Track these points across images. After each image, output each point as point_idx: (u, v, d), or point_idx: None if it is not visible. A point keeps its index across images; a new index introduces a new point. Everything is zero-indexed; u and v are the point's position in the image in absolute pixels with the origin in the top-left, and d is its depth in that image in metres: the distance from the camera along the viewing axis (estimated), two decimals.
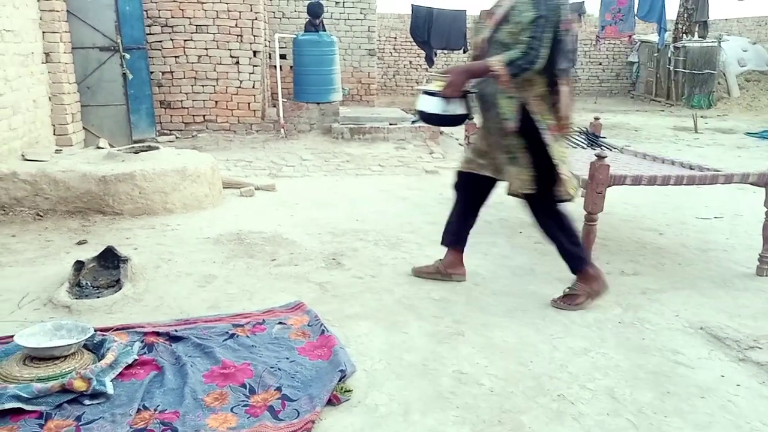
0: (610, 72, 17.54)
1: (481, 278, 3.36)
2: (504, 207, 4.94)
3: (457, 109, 2.92)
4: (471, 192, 3.30)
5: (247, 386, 2.21)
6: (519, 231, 4.28)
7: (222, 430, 1.97)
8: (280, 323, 2.73)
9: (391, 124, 8.48)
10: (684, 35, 14.90)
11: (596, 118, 5.35)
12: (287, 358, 2.41)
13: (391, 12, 15.97)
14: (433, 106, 2.91)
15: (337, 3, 10.99)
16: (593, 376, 2.39)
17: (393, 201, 5.17)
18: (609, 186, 3.29)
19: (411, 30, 11.61)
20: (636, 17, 13.78)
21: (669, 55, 14.83)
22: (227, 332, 2.63)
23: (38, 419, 2.01)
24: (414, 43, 13.25)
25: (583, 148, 4.81)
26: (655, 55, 15.55)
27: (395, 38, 15.92)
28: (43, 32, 5.66)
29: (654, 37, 15.19)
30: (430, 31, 11.27)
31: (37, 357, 2.25)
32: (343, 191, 5.56)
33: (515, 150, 2.92)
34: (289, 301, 2.99)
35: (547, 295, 3.14)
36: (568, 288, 3.07)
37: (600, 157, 3.27)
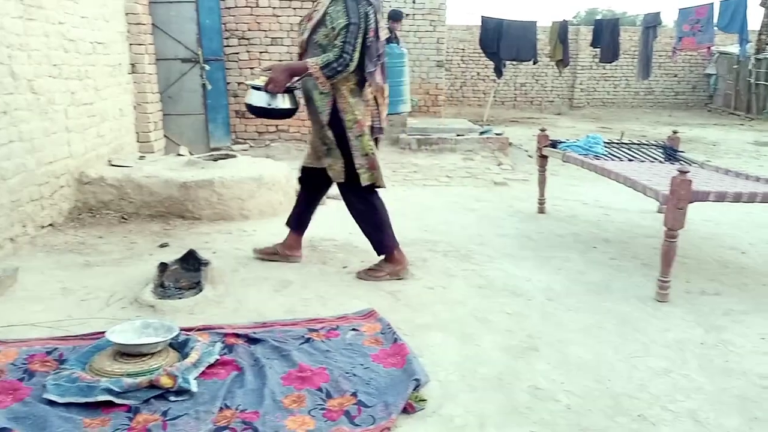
0: (686, 84, 16.98)
1: (555, 294, 3.31)
2: (577, 221, 4.87)
3: (281, 103, 3.27)
4: (312, 183, 3.71)
5: (324, 390, 2.25)
6: (593, 246, 4.19)
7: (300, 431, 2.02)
8: (353, 330, 2.77)
9: (458, 135, 8.47)
10: (767, 46, 14.27)
11: (674, 132, 5.20)
12: (361, 365, 2.45)
13: (460, 24, 15.98)
14: (259, 99, 3.24)
15: (407, 15, 11.07)
16: (675, 397, 2.31)
17: (461, 212, 5.15)
18: (691, 202, 3.18)
19: (480, 41, 11.56)
20: (716, 28, 13.28)
21: (750, 67, 14.22)
22: (303, 336, 2.68)
23: (127, 412, 2.11)
24: (482, 55, 13.20)
25: (661, 162, 4.67)
26: (735, 66, 14.95)
27: (463, 50, 15.92)
28: (130, 44, 5.96)
29: (734, 49, 14.60)
30: (499, 43, 11.19)
31: (126, 353, 2.37)
32: (411, 201, 5.58)
33: (329, 142, 3.33)
34: (361, 308, 3.03)
35: (625, 313, 3.06)
36: (376, 264, 3.52)
37: (682, 172, 3.17)
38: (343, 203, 5.32)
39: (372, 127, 3.41)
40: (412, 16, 11.14)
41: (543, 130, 5.16)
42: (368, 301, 3.14)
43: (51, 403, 2.13)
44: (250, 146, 8.40)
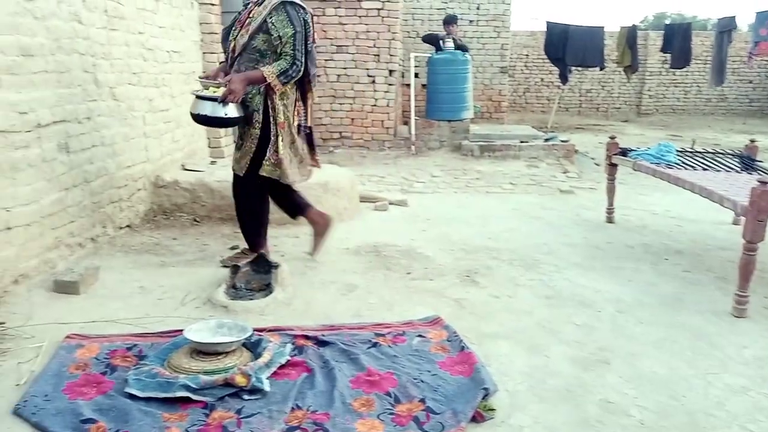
0: (762, 91, 16.24)
1: (626, 305, 3.23)
2: (647, 231, 4.74)
3: (233, 112, 3.36)
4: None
5: (392, 395, 2.27)
6: (665, 258, 4.07)
7: None
8: (419, 336, 2.78)
9: (522, 142, 8.38)
10: None
11: (752, 141, 4.99)
12: (428, 371, 2.46)
13: (524, 29, 15.80)
14: (214, 110, 3.31)
15: (471, 22, 11.05)
16: (755, 417, 2.23)
17: (526, 220, 5.10)
18: None
19: (545, 47, 11.40)
20: None
21: None
22: (370, 340, 2.72)
23: (204, 409, 2.18)
24: (546, 60, 13.02)
25: (737, 172, 4.49)
26: None
27: (527, 55, 15.72)
28: (203, 53, 6.16)
29: None
30: (565, 48, 11.00)
31: (202, 351, 2.46)
32: (474, 208, 5.56)
33: (247, 137, 3.54)
34: (427, 315, 3.04)
35: (699, 328, 2.97)
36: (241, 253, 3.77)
37: (763, 183, 3.05)
38: (403, 209, 5.39)
39: (299, 126, 3.67)
40: (475, 23, 11.10)
41: (612, 138, 5.05)
42: (433, 308, 3.15)
43: (132, 396, 2.23)
44: None
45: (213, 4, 6.12)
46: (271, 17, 3.36)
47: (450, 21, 9.26)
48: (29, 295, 3.21)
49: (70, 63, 3.69)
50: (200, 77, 3.51)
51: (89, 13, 3.91)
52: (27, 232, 3.35)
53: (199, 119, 3.43)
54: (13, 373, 2.47)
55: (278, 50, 3.39)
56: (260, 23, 3.38)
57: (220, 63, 3.61)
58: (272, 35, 3.37)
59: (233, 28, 3.53)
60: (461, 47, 8.98)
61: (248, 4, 3.51)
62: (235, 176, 3.66)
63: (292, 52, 3.35)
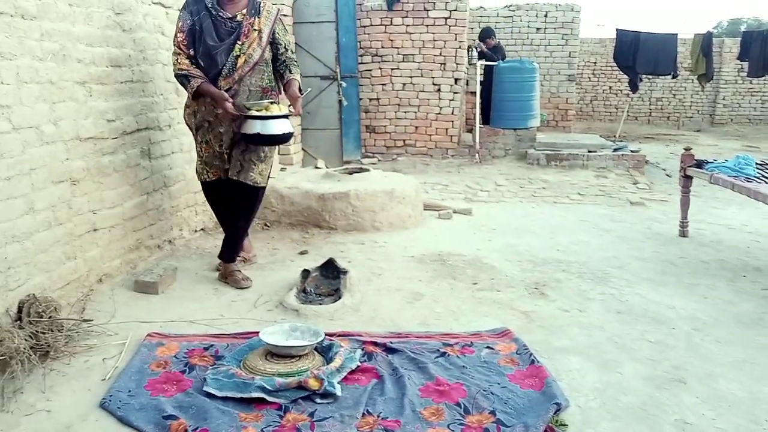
0: None
1: (702, 323, 3.13)
2: (723, 247, 4.57)
3: (290, 128, 3.43)
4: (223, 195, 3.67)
5: (462, 405, 2.28)
6: (742, 275, 3.92)
7: None
8: (487, 347, 2.77)
9: (590, 151, 8.21)
10: None
11: None
12: (498, 383, 2.45)
13: (592, 37, 15.47)
14: (283, 127, 3.33)
15: (538, 30, 10.94)
16: None
17: (595, 232, 5.00)
18: None
19: (615, 55, 11.13)
20: None
21: None
22: (438, 350, 2.73)
23: (278, 410, 2.25)
24: (615, 68, 12.71)
25: None
26: None
27: (595, 63, 15.39)
28: None
29: None
30: (635, 56, 10.71)
31: (277, 354, 2.53)
32: (541, 219, 5.49)
33: (270, 148, 3.61)
34: (495, 326, 3.03)
35: None
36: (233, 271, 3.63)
37: None
38: (467, 218, 5.37)
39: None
40: (543, 30, 10.97)
41: (688, 149, 4.90)
42: (501, 320, 3.13)
43: (210, 395, 2.33)
44: (378, 160, 8.63)
45: (286, 15, 6.28)
46: (276, 27, 3.47)
47: (485, 36, 9.31)
48: (112, 293, 3.38)
49: (153, 73, 3.87)
50: (245, 103, 3.35)
51: (171, 25, 4.08)
52: (111, 234, 3.53)
53: (267, 139, 3.36)
54: (99, 368, 2.61)
55: (280, 59, 3.51)
56: (269, 34, 3.43)
57: (197, 84, 3.33)
58: (279, 44, 3.48)
59: (238, 43, 3.34)
60: (487, 56, 8.98)
61: (217, 15, 3.35)
62: (253, 188, 3.56)
63: (295, 58, 3.58)
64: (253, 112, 3.30)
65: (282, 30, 3.53)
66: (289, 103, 3.50)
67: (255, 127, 3.29)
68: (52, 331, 2.67)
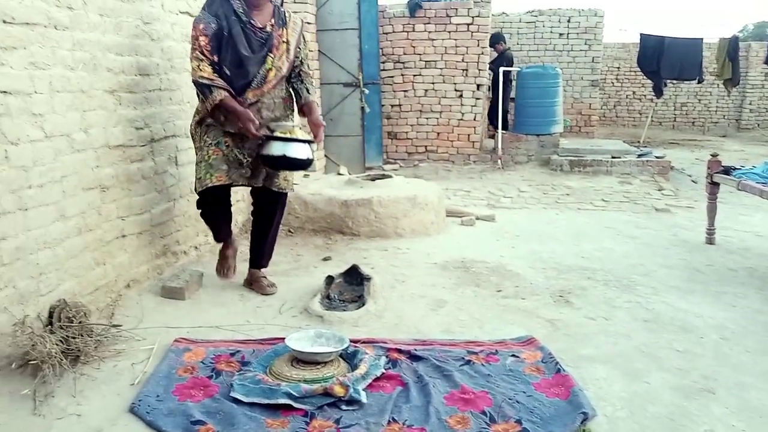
0: None
1: (731, 332, 3.08)
2: (751, 254, 4.51)
3: (312, 154, 3.36)
4: (227, 202, 3.58)
5: (487, 414, 2.27)
6: None
7: None
8: (513, 356, 2.76)
9: (613, 157, 8.15)
10: None
11: None
12: (524, 392, 2.44)
13: (615, 41, 15.35)
14: (307, 152, 3.25)
15: (561, 35, 10.90)
16: None
17: (620, 239, 4.95)
18: None
19: (638, 59, 11.05)
20: None
21: None
22: (463, 358, 2.72)
23: (304, 417, 2.26)
24: (639, 73, 12.61)
25: None
26: None
27: (618, 68, 15.26)
28: None
29: None
30: (660, 61, 10.62)
31: (302, 360, 2.55)
32: (565, 225, 5.45)
33: None
34: (520, 334, 3.01)
35: None
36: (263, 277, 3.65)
37: None
38: (490, 225, 5.36)
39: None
40: (566, 36, 10.92)
41: (715, 155, 4.84)
42: (525, 328, 3.12)
43: (236, 401, 2.34)
44: (400, 166, 8.66)
45: (309, 23, 6.34)
46: (299, 39, 3.41)
47: (494, 41, 9.38)
48: (140, 299, 3.43)
49: (180, 81, 3.92)
50: (270, 125, 3.28)
51: None
52: (139, 240, 3.58)
53: (291, 163, 3.25)
54: (128, 372, 2.64)
55: (295, 71, 3.43)
56: (295, 46, 3.37)
57: (220, 97, 3.16)
58: (298, 57, 3.41)
59: (267, 54, 3.25)
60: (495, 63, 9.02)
61: (248, 22, 3.23)
62: (279, 194, 3.56)
63: (310, 72, 3.57)
64: (278, 134, 3.21)
65: (303, 42, 3.46)
66: (309, 130, 3.46)
67: (279, 150, 3.18)
68: (82, 336, 2.71)
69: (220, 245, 3.68)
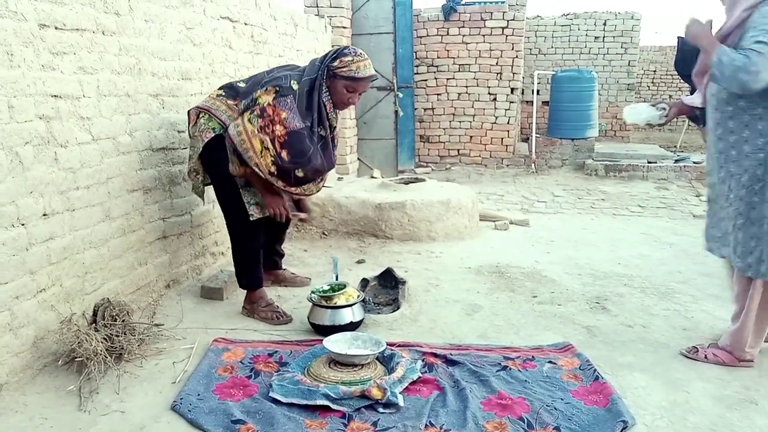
0: None
1: None
2: None
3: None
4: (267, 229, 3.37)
5: (525, 420, 2.27)
6: None
7: None
8: (550, 362, 2.75)
9: (650, 162, 8.03)
10: None
11: None
12: (561, 399, 2.42)
13: (652, 44, 15.13)
14: (359, 312, 3.11)
15: (596, 38, 10.77)
16: None
17: (657, 246, 4.88)
18: None
19: (676, 63, 10.82)
20: None
21: None
22: (499, 363, 2.72)
23: (342, 418, 2.28)
24: (676, 77, 12.40)
25: None
26: None
27: (654, 71, 15.04)
28: None
29: None
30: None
31: (340, 362, 2.57)
32: (600, 231, 5.39)
33: None
34: (556, 341, 3.00)
35: None
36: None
37: None
38: (524, 230, 5.33)
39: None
40: (601, 39, 10.80)
41: None
42: (562, 334, 3.10)
43: (275, 401, 2.38)
44: (432, 169, 8.66)
45: (345, 27, 6.39)
46: None
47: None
48: (180, 299, 3.50)
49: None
50: (318, 292, 3.14)
51: (238, 39, 4.23)
52: (179, 241, 3.66)
53: (340, 329, 2.97)
54: (169, 371, 2.70)
55: None
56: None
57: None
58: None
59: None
60: None
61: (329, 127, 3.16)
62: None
63: None
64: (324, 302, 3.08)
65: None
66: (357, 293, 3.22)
67: (329, 320, 3.03)
68: (125, 334, 2.78)
69: (255, 301, 3.32)
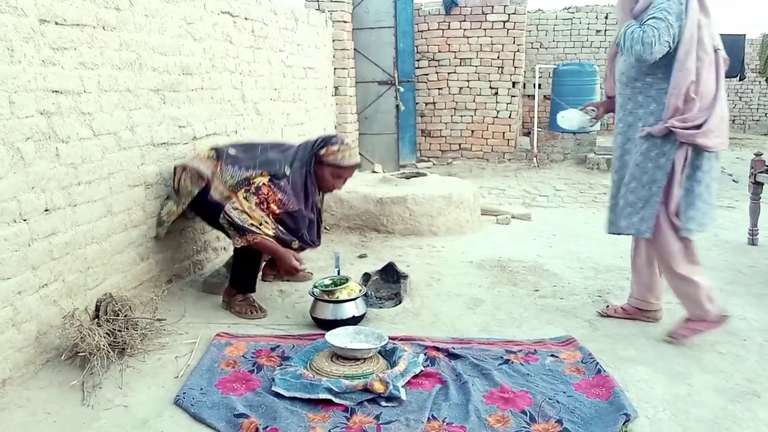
0: None
1: None
2: None
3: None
4: None
5: (527, 413, 2.27)
6: None
7: None
8: (552, 356, 2.75)
9: None
10: None
11: None
12: (564, 392, 2.43)
13: None
14: (362, 306, 3.14)
15: (597, 32, 10.75)
16: None
17: None
18: None
19: None
20: None
21: None
22: (501, 357, 2.72)
23: (344, 412, 2.29)
24: None
25: None
26: None
27: None
28: (335, 69, 6.44)
29: None
30: None
31: (342, 356, 2.58)
32: (602, 225, 5.36)
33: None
34: (558, 334, 3.00)
35: None
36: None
37: None
38: (526, 224, 5.32)
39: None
40: (603, 32, 10.77)
41: (759, 155, 4.73)
42: (564, 328, 3.10)
43: (277, 395, 2.38)
44: (433, 164, 8.65)
45: (345, 22, 6.38)
46: None
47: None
48: (182, 294, 3.50)
49: (221, 80, 3.99)
50: (320, 287, 3.19)
51: (239, 34, 4.22)
52: (181, 236, 3.66)
53: (342, 323, 2.99)
54: (172, 365, 2.71)
55: None
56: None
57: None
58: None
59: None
60: None
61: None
62: None
63: None
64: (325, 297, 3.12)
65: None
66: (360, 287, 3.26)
67: (330, 314, 3.06)
68: (128, 329, 2.78)
69: (233, 295, 3.36)
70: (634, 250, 3.20)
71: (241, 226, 3.06)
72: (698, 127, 2.67)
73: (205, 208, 3.25)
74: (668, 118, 2.70)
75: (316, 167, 3.26)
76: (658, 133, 2.74)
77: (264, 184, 3.12)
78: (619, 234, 3.13)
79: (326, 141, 3.26)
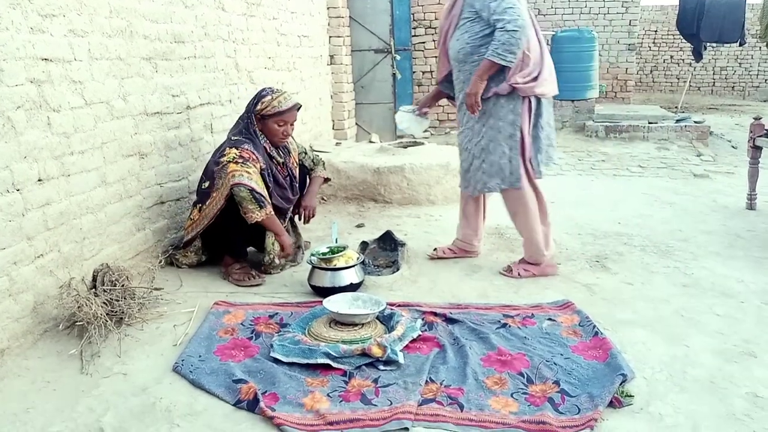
0: None
1: None
2: None
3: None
4: None
5: (525, 375, 2.28)
6: None
7: (504, 412, 2.07)
8: (549, 319, 2.75)
9: (650, 123, 7.96)
10: None
11: None
12: (561, 354, 2.44)
13: (653, 4, 14.88)
14: (360, 273, 3.16)
15: None
16: None
17: (658, 205, 4.86)
18: None
19: (678, 22, 10.67)
20: None
21: None
22: (499, 321, 2.73)
23: (343, 376, 2.30)
24: (677, 36, 12.24)
25: None
26: None
27: (655, 31, 14.82)
28: (330, 37, 6.35)
29: None
30: (700, 23, 10.24)
31: (340, 321, 2.58)
32: (601, 192, 5.37)
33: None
34: (556, 299, 3.00)
35: None
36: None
37: None
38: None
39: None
40: None
41: (758, 118, 4.69)
42: (562, 293, 3.10)
43: (276, 361, 2.39)
44: (431, 134, 8.58)
45: None
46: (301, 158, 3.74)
47: None
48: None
49: (214, 48, 3.94)
50: (318, 255, 3.17)
51: (231, 1, 4.15)
52: (177, 206, 3.64)
53: (340, 290, 2.97)
54: (170, 334, 2.71)
55: (306, 165, 3.77)
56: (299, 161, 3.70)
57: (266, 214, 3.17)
58: (303, 161, 3.75)
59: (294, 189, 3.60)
60: None
61: (276, 162, 3.43)
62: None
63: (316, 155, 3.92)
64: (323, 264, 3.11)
65: (303, 154, 3.69)
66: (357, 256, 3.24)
67: (329, 281, 3.05)
68: (125, 298, 2.78)
69: (230, 264, 3.37)
70: (465, 201, 3.57)
71: (261, 196, 3.10)
72: (535, 79, 3.04)
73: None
74: (510, 76, 3.01)
75: (260, 125, 3.31)
76: (503, 91, 3.05)
77: (239, 148, 3.17)
78: (489, 192, 3.44)
79: (258, 97, 3.32)
